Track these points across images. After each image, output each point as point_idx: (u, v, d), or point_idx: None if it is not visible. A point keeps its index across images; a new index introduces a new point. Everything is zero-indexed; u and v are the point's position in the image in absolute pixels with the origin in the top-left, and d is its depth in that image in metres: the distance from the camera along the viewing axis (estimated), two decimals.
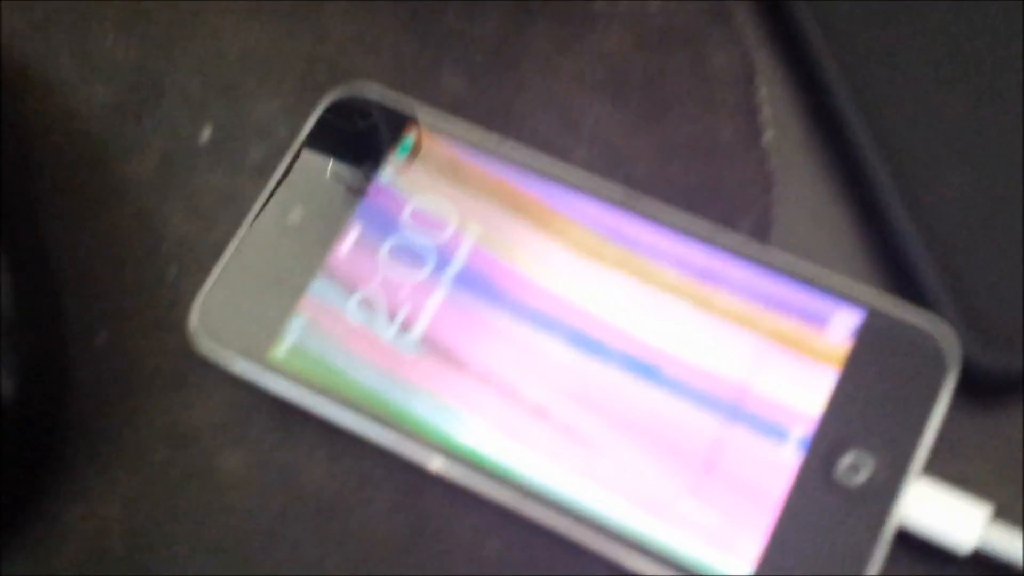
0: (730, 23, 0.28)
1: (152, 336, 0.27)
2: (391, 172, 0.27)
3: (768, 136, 0.27)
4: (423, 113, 0.27)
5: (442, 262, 0.26)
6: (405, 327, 0.25)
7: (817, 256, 0.26)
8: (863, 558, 0.22)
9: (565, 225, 0.26)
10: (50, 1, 0.30)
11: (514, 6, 0.29)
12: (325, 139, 0.27)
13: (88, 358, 0.27)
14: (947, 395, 0.23)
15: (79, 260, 0.28)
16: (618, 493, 0.23)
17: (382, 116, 0.27)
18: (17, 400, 0.24)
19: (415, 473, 0.25)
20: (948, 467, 0.24)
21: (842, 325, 0.24)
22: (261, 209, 0.26)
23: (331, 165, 0.27)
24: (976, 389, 0.25)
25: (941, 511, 0.23)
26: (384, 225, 0.26)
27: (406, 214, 0.26)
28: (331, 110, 0.27)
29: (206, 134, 0.29)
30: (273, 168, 0.28)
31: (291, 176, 0.27)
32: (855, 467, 0.23)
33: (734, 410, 0.24)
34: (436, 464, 0.24)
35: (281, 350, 0.25)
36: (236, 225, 0.27)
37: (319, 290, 0.26)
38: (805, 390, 0.24)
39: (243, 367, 0.25)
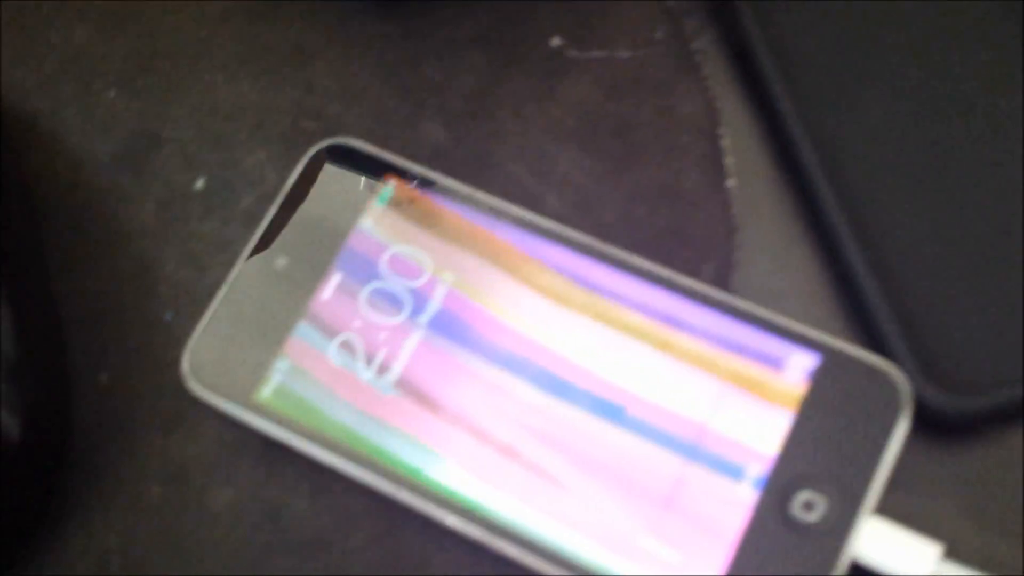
0: (697, 73, 0.29)
1: (150, 377, 0.28)
2: (371, 220, 0.28)
3: (732, 183, 0.28)
4: (401, 164, 0.28)
5: (418, 307, 0.27)
6: (382, 369, 0.26)
7: (778, 299, 0.27)
8: None
9: (535, 271, 0.27)
10: (57, 60, 0.32)
11: (490, 58, 0.30)
12: (309, 189, 0.28)
13: (90, 398, 0.28)
14: (900, 436, 0.24)
15: (81, 304, 0.29)
16: (583, 530, 0.24)
17: (363, 167, 0.28)
18: (22, 439, 0.26)
19: (394, 508, 0.26)
20: (905, 504, 0.25)
21: (798, 368, 0.25)
22: (249, 256, 0.28)
23: (315, 213, 0.28)
24: (932, 429, 0.25)
25: (893, 549, 0.24)
26: (364, 271, 0.27)
27: (384, 260, 0.27)
28: (315, 161, 0.28)
29: (200, 183, 0.30)
30: (263, 215, 0.29)
31: (277, 224, 0.28)
32: (809, 505, 0.24)
33: (694, 449, 0.25)
34: (411, 501, 0.25)
35: (267, 391, 0.27)
36: (228, 269, 0.29)
37: (303, 334, 0.27)
38: (762, 430, 0.25)
39: (231, 408, 0.27)
